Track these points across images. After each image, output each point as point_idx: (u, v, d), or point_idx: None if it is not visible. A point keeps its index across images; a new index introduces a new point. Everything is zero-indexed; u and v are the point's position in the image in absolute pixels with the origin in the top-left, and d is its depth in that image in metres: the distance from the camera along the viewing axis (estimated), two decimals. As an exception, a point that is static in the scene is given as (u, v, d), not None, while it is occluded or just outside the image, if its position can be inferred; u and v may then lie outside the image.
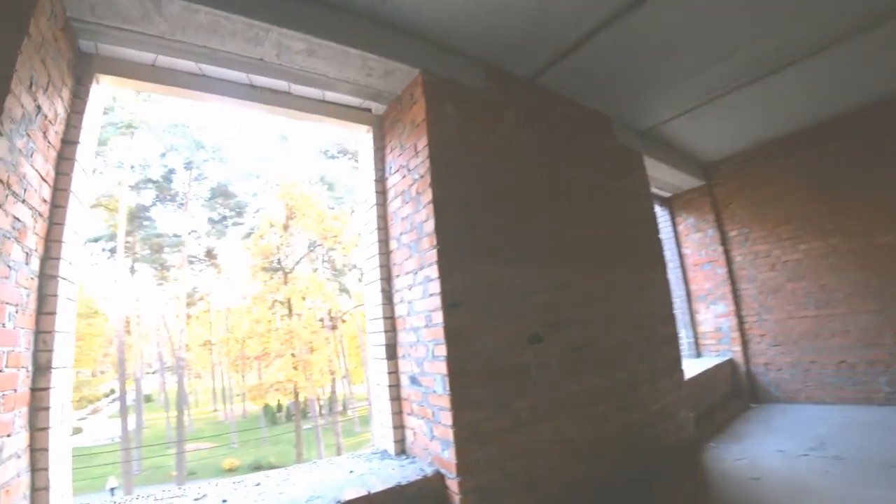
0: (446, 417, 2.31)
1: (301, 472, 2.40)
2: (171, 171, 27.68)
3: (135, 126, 22.58)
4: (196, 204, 29.77)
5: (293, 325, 23.19)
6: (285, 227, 25.25)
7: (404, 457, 2.63)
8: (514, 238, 2.83)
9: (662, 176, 5.44)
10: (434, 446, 2.41)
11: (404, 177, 2.82)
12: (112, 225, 24.22)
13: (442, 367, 2.36)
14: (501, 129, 3.02)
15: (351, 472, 2.36)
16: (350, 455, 2.77)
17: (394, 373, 2.83)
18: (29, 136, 1.83)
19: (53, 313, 2.00)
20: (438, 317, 2.40)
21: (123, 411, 20.78)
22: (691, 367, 4.95)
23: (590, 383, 3.00)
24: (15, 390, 1.77)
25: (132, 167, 25.00)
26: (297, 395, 23.00)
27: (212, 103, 2.69)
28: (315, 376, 22.62)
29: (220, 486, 2.23)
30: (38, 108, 1.90)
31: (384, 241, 2.98)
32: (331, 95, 2.92)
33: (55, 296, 2.02)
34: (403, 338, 2.76)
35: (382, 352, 2.86)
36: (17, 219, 1.79)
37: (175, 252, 29.47)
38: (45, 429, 1.91)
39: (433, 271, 2.47)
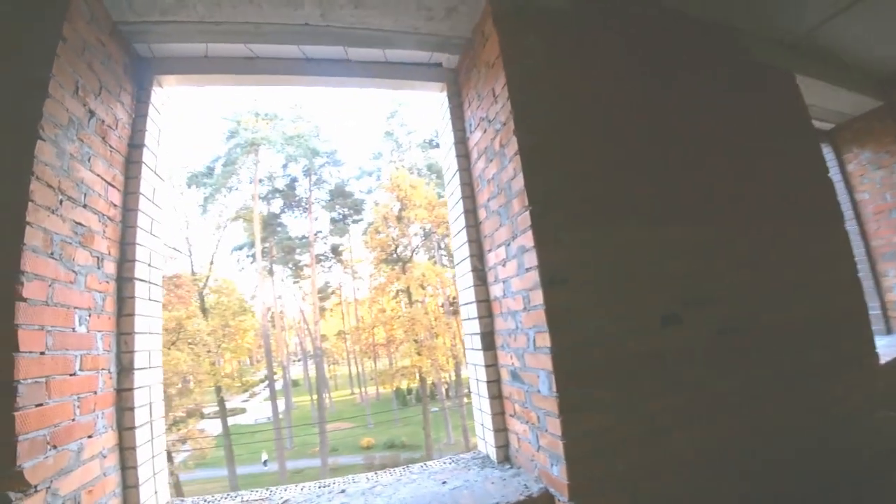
0: (554, 425, 1.81)
1: (390, 479, 2.14)
2: (294, 180, 30.69)
3: (257, 143, 25.29)
4: (318, 206, 32.52)
5: (414, 312, 24.21)
6: (399, 219, 26.34)
7: (507, 466, 2.21)
8: (630, 191, 2.16)
9: (821, 101, 4.09)
10: (541, 458, 1.94)
11: (485, 131, 2.35)
12: (250, 234, 27.50)
13: (546, 362, 1.85)
14: (600, 57, 2.35)
15: (444, 483, 2.03)
16: (449, 459, 2.46)
17: (492, 366, 2.38)
18: (82, 140, 1.79)
19: (132, 315, 1.98)
20: (538, 296, 1.87)
21: (273, 395, 23.77)
22: (885, 349, 3.66)
23: (746, 376, 2.23)
24: (95, 392, 1.75)
25: (260, 180, 28.15)
26: (422, 379, 24.06)
27: (270, 86, 2.53)
28: (439, 361, 23.43)
29: (304, 490, 2.07)
30: (91, 112, 1.85)
31: (471, 212, 2.54)
32: (393, 54, 2.56)
33: (132, 298, 2.00)
34: (501, 324, 2.29)
35: (478, 341, 2.44)
36: (80, 223, 1.75)
37: (305, 252, 32.69)
38: (132, 428, 1.90)
39: (527, 239, 1.93)
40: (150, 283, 2.15)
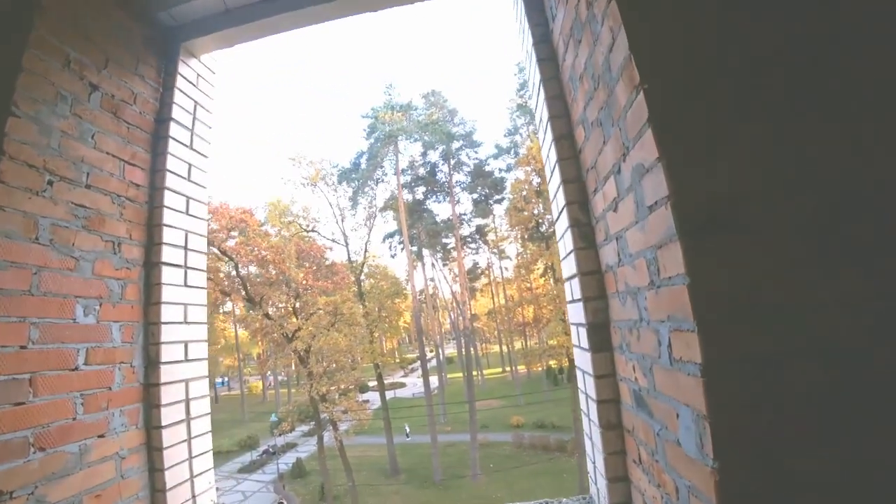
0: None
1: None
2: (434, 166, 31.77)
3: (395, 135, 26.67)
4: (459, 189, 33.20)
5: (560, 289, 23.09)
6: (538, 193, 25.27)
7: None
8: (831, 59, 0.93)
9: None
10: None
11: (568, 1, 1.51)
12: (399, 221, 29.38)
13: (691, 390, 0.93)
14: None
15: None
16: None
17: (606, 377, 1.51)
18: (80, 116, 1.63)
19: (158, 303, 1.82)
20: (673, 258, 0.94)
21: (425, 372, 25.28)
22: None
23: None
24: (109, 388, 1.61)
25: (403, 170, 29.79)
26: (570, 359, 22.93)
27: (298, 27, 2.14)
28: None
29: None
30: (94, 86, 1.69)
31: (565, 137, 1.69)
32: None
33: (159, 284, 1.83)
34: (617, 311, 1.39)
35: (584, 336, 1.58)
36: (83, 206, 1.60)
37: (451, 235, 33.83)
38: (158, 427, 1.73)
39: (646, 149, 1.00)
40: (185, 267, 1.99)
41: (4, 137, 1.39)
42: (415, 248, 33.66)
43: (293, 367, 23.34)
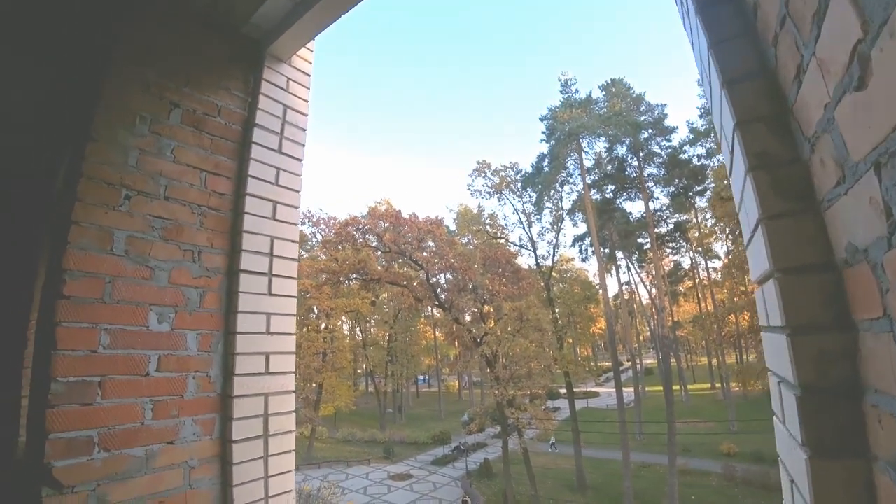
0: None
1: None
2: (622, 160, 29.02)
3: (575, 133, 25.21)
4: (652, 183, 29.74)
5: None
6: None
7: None
8: None
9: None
10: None
11: None
12: (588, 223, 27.71)
13: None
14: None
15: None
16: None
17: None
18: (159, 134, 1.71)
19: (235, 312, 1.79)
20: None
21: (617, 382, 22.93)
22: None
23: None
24: (181, 396, 1.61)
25: (588, 169, 28.02)
26: None
27: None
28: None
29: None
30: (174, 104, 1.78)
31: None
32: None
33: (237, 293, 1.81)
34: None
35: (789, 413, 0.70)
36: (160, 217, 1.67)
37: (645, 235, 30.47)
38: (230, 441, 1.67)
39: None
40: (270, 275, 1.94)
41: (83, 161, 1.50)
42: (606, 251, 31.27)
43: (479, 370, 24.17)
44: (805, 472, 0.62)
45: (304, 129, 2.24)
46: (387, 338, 42.68)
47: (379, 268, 24.71)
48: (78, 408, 1.37)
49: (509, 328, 21.48)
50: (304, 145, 2.22)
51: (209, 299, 1.76)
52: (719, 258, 33.48)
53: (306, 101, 2.28)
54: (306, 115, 2.27)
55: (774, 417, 0.86)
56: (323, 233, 28.77)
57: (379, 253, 24.65)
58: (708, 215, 29.12)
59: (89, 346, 1.42)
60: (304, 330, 26.13)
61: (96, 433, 1.39)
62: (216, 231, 1.83)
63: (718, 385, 36.38)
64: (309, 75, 2.31)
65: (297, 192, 2.15)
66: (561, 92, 29.47)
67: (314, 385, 27.22)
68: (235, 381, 1.72)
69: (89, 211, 1.49)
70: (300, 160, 2.19)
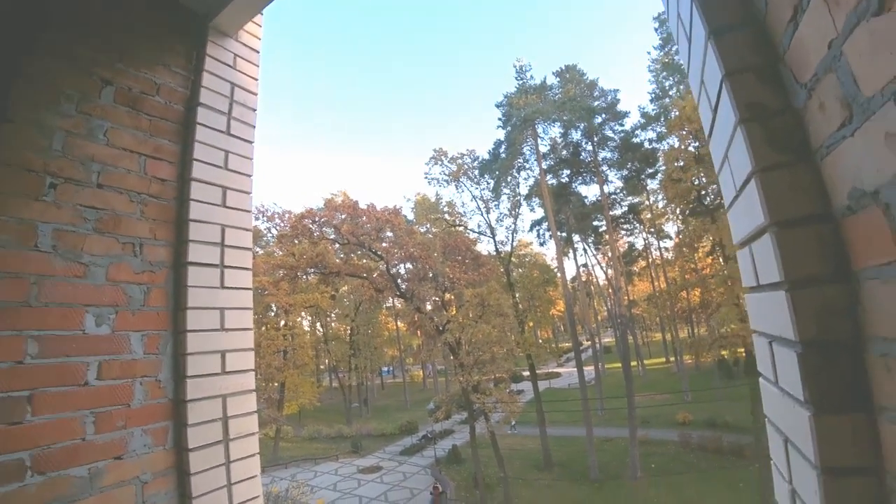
0: None
1: None
2: (577, 145, 29.68)
3: (531, 119, 25.53)
4: (606, 167, 30.62)
5: (732, 269, 19.36)
6: (698, 160, 21.66)
7: None
8: None
9: None
10: None
11: None
12: (545, 207, 28.25)
13: None
14: None
15: None
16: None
17: (849, 473, 0.59)
18: (89, 114, 1.52)
19: (185, 309, 1.64)
20: None
21: (578, 362, 23.81)
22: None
23: None
24: (128, 405, 1.46)
25: (544, 154, 28.48)
26: (747, 350, 19.01)
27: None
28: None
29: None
30: (105, 81, 1.58)
31: None
32: None
33: (186, 287, 1.65)
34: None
35: (788, 368, 0.83)
36: (92, 207, 1.48)
37: (601, 218, 31.44)
38: (186, 450, 1.54)
39: None
40: (222, 266, 1.79)
41: (-2, 144, 1.30)
42: (563, 234, 32.03)
43: (442, 358, 24.33)
44: (808, 430, 0.60)
45: (255, 110, 2.08)
46: (349, 331, 42.06)
47: (337, 260, 24.19)
48: (4, 428, 1.20)
49: (471, 314, 21.66)
50: (254, 127, 2.06)
51: (154, 296, 1.60)
52: (670, 238, 35.12)
53: (255, 79, 2.11)
54: (256, 94, 2.10)
55: (761, 379, 0.85)
56: (278, 227, 27.81)
57: (337, 245, 24.11)
58: (659, 197, 30.38)
59: (14, 356, 1.25)
60: (263, 328, 25.31)
61: (28, 455, 1.22)
62: (159, 221, 1.66)
63: (672, 359, 38.54)
64: (258, 52, 2.15)
65: (249, 176, 1.99)
66: (516, 78, 29.68)
67: (276, 384, 26.48)
68: (189, 383, 1.58)
69: (7, 202, 1.30)
70: (251, 142, 2.03)
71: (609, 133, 29.82)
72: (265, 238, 30.33)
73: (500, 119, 29.15)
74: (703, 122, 0.96)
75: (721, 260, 21.18)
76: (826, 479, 0.57)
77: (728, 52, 0.72)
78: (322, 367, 48.70)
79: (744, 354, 19.63)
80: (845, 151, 0.55)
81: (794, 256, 0.63)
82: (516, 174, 30.12)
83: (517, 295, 23.99)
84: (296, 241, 23.67)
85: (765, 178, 0.66)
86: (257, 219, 27.40)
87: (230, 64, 2.00)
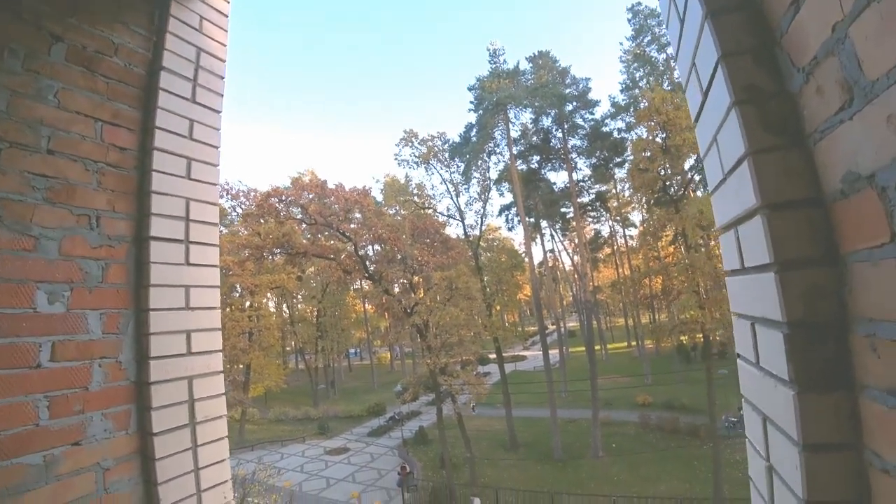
0: None
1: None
2: (547, 132, 29.88)
3: (503, 103, 25.47)
4: (576, 155, 31.00)
5: (693, 258, 20.19)
6: (664, 151, 22.24)
7: None
8: None
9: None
10: None
11: None
12: (514, 193, 28.45)
13: None
14: None
15: None
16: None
17: (831, 449, 0.62)
18: (38, 72, 1.38)
19: (147, 286, 1.55)
20: None
21: (544, 345, 24.46)
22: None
23: None
24: (86, 388, 1.37)
25: (515, 140, 28.55)
26: (705, 336, 20.02)
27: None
28: (728, 315, 18.91)
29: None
30: (55, 37, 1.44)
31: None
32: None
33: (148, 263, 1.56)
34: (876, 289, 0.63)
35: (774, 349, 0.91)
36: (42, 175, 1.36)
37: (569, 204, 31.94)
38: (150, 434, 1.47)
39: None
40: (187, 242, 1.70)
41: (-76, 96, 1.16)
42: (532, 220, 32.43)
43: (410, 341, 24.46)
44: (792, 409, 0.62)
45: (222, 78, 1.96)
46: (316, 313, 41.51)
47: (304, 241, 23.66)
48: (-60, 413, 1.11)
49: (439, 297, 21.75)
50: (222, 95, 1.94)
51: (114, 272, 1.50)
52: (635, 226, 36.20)
53: (224, 44, 1.98)
54: (224, 61, 1.98)
55: (740, 361, 0.87)
56: (243, 206, 26.86)
57: (304, 226, 23.56)
58: (626, 186, 31.13)
59: (-46, 335, 1.15)
60: (228, 309, 24.60)
61: (-28, 442, 1.14)
62: (118, 192, 1.55)
63: (634, 343, 40.18)
64: (226, 16, 2.01)
65: (216, 147, 1.88)
66: (489, 62, 29.44)
67: (241, 366, 25.94)
68: (152, 365, 1.50)
69: (-63, 165, 1.18)
70: (218, 112, 1.91)
71: (579, 121, 30.19)
72: (230, 217, 29.27)
73: (472, 102, 28.96)
74: (690, 106, 0.96)
75: (683, 249, 22.00)
76: (808, 456, 0.60)
77: (725, 33, 0.71)
78: (288, 349, 48.02)
79: (702, 340, 20.63)
80: (842, 135, 0.56)
81: (785, 239, 0.64)
82: (487, 158, 30.13)
83: (485, 279, 24.26)
84: (262, 221, 22.96)
85: (758, 161, 0.66)
86: (221, 196, 26.36)
87: (196, 27, 1.87)
